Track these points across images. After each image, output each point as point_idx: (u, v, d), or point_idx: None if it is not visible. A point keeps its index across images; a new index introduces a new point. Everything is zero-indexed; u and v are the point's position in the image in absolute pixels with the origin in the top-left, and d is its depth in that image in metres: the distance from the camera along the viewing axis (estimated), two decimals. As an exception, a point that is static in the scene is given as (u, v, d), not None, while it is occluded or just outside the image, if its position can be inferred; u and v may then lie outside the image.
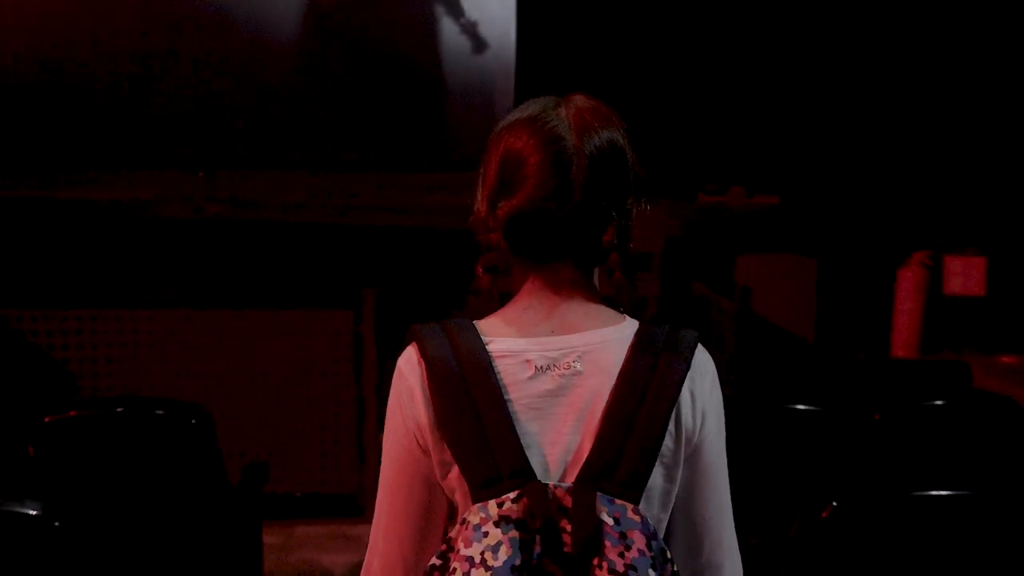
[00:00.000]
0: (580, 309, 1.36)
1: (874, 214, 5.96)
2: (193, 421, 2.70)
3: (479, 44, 6.48)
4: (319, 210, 5.62)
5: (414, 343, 1.39)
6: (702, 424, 1.36)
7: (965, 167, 5.97)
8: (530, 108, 1.40)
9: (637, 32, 6.34)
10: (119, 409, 2.80)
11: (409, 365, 1.38)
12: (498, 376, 1.32)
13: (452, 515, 1.37)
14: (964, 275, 5.82)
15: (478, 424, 1.31)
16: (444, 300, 5.50)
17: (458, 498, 1.36)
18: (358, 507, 4.69)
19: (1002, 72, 5.90)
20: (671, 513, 1.38)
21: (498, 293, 1.38)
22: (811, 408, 2.91)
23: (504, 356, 1.34)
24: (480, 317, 1.39)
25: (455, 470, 1.33)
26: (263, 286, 5.06)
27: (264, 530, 3.55)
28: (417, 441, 1.35)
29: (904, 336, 5.85)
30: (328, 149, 6.43)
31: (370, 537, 1.42)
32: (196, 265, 5.32)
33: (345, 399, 4.72)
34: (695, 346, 1.36)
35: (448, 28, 6.55)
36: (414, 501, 1.37)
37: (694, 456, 1.37)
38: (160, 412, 2.68)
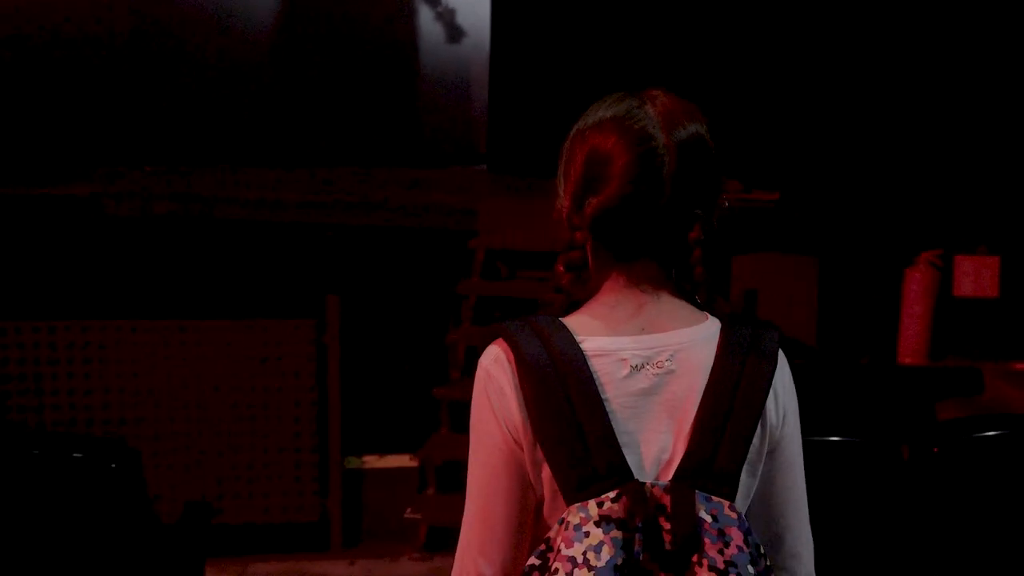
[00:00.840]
0: (667, 307, 1.38)
1: (880, 211, 5.61)
2: (114, 465, 2.26)
3: (455, 33, 6.25)
4: (279, 208, 5.17)
5: (501, 341, 1.39)
6: (783, 421, 1.40)
7: (977, 160, 5.58)
8: (614, 107, 1.41)
9: (619, 18, 5.97)
10: (34, 452, 2.37)
11: (498, 364, 1.38)
12: (594, 375, 1.33)
13: (538, 513, 1.38)
14: (976, 276, 5.46)
15: (576, 423, 1.31)
16: (416, 305, 5.14)
17: (546, 496, 1.36)
18: (321, 539, 4.22)
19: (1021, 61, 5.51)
20: (749, 506, 1.41)
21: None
22: (846, 440, 2.46)
23: (599, 355, 1.35)
24: (563, 314, 1.39)
25: (546, 469, 1.34)
26: (216, 293, 4.58)
27: (214, 568, 3.10)
28: (513, 439, 1.36)
29: (911, 340, 5.46)
30: (292, 142, 6.14)
31: (460, 541, 1.41)
32: (143, 269, 4.84)
33: (307, 417, 4.25)
34: (778, 343, 1.39)
35: (425, 16, 6.29)
36: (512, 500, 1.37)
37: (776, 452, 1.41)
38: (78, 455, 2.25)
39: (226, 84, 6.15)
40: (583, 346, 1.36)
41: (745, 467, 1.36)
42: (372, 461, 4.33)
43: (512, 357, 1.37)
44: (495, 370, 1.39)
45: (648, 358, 1.35)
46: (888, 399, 5.17)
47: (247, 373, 4.19)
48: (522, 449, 1.35)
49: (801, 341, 5.35)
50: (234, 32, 6.18)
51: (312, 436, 4.21)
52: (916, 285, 5.43)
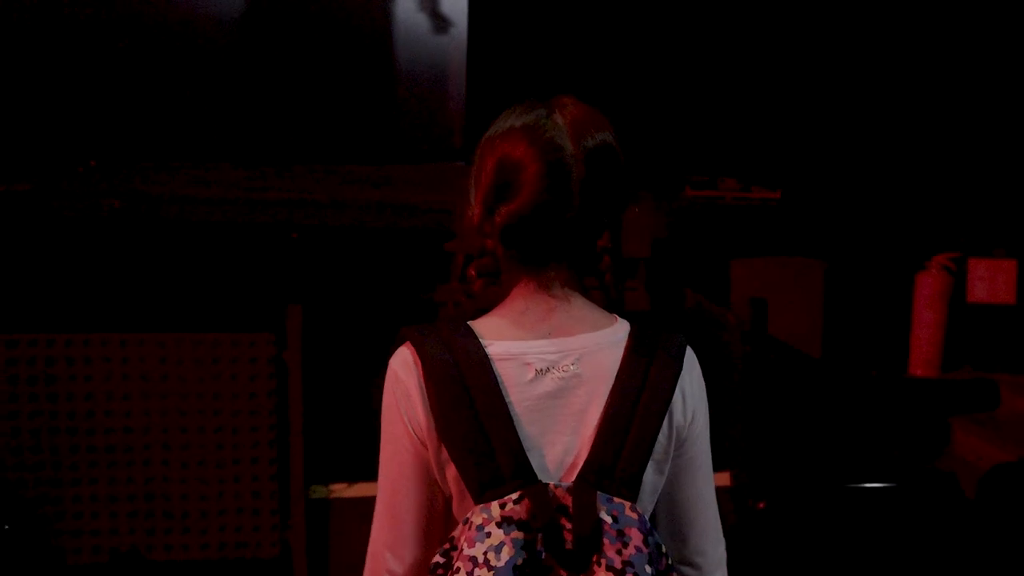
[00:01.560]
0: (576, 312, 1.43)
1: (889, 210, 5.25)
2: (6, 527, 1.80)
3: (440, 22, 5.94)
4: (236, 207, 4.70)
5: (408, 343, 1.44)
6: (691, 421, 1.46)
7: (994, 156, 5.18)
8: (523, 116, 1.44)
9: (604, 4, 5.50)
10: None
11: (405, 366, 1.43)
12: (498, 378, 1.38)
13: (448, 511, 1.42)
14: (991, 281, 5.12)
15: (479, 426, 1.35)
16: (388, 314, 4.68)
17: (455, 494, 1.41)
18: (280, 579, 3.76)
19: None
20: (656, 503, 1.45)
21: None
22: (886, 486, 2.03)
23: (504, 359, 1.39)
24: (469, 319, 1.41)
25: (452, 469, 1.39)
26: (164, 302, 4.10)
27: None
28: (417, 438, 1.41)
29: (923, 350, 5.09)
30: (255, 137, 5.74)
31: (371, 540, 1.45)
32: (83, 275, 4.36)
33: (265, 442, 3.78)
34: (685, 346, 1.45)
35: (403, 2, 5.97)
36: (419, 499, 1.42)
37: (682, 450, 1.46)
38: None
39: (182, 71, 5.67)
40: (488, 350, 1.39)
41: (651, 466, 1.40)
42: (340, 490, 3.87)
43: (418, 360, 1.41)
44: (402, 372, 1.43)
45: (553, 362, 1.38)
46: (899, 416, 4.78)
47: (195, 393, 3.71)
48: (427, 449, 1.40)
49: (804, 352, 4.95)
50: (195, 13, 5.70)
51: (271, 463, 3.74)
52: (928, 290, 5.08)
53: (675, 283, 4.91)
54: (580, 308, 1.44)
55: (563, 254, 1.43)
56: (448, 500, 1.42)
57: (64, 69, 5.57)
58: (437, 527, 1.42)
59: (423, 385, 1.41)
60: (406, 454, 1.42)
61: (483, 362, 1.39)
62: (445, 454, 1.39)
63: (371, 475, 4.19)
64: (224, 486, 3.78)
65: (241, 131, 5.81)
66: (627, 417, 1.37)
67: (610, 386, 1.39)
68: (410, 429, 1.42)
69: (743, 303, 4.87)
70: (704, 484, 1.48)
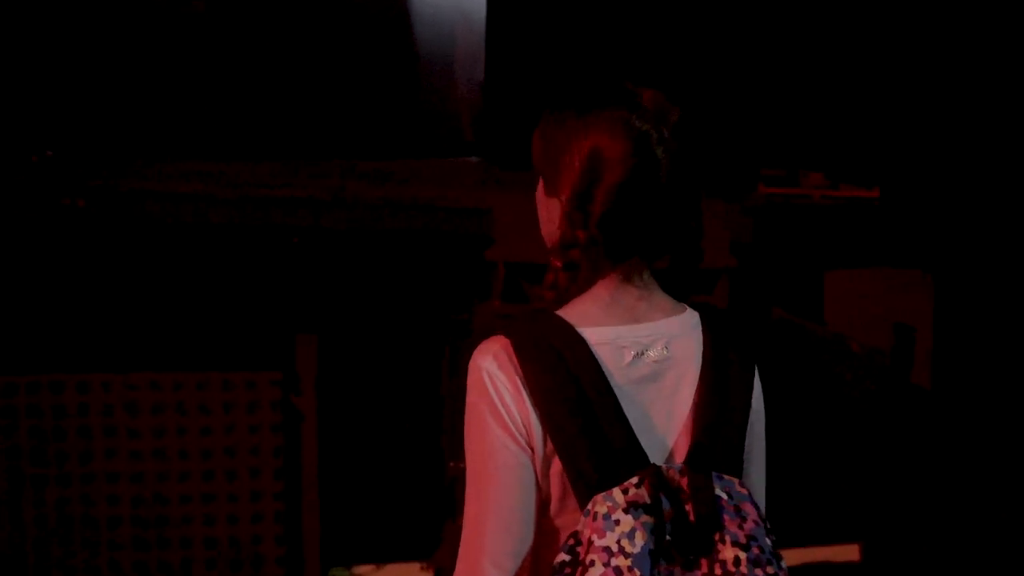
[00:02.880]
0: (655, 299, 1.45)
1: (1014, 211, 4.35)
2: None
3: None
4: (223, 207, 3.88)
5: (500, 338, 1.41)
6: (760, 414, 1.51)
7: None
8: (599, 97, 1.46)
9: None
10: None
11: (498, 363, 1.40)
12: (601, 363, 1.38)
13: (542, 513, 1.40)
14: None
15: (591, 413, 1.36)
16: (417, 341, 3.86)
17: (554, 493, 1.40)
18: None
19: None
20: None
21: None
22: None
23: (602, 343, 1.41)
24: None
25: (556, 464, 1.38)
26: (134, 329, 3.18)
27: None
28: (523, 441, 1.38)
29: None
30: (248, 125, 4.99)
31: (465, 557, 1.41)
32: (32, 288, 3.47)
33: (270, 513, 2.89)
34: (748, 327, 1.52)
35: None
36: (524, 506, 1.39)
37: (754, 429, 1.50)
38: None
39: (164, 45, 4.92)
40: (585, 335, 1.40)
41: None
42: (367, 573, 2.99)
43: (514, 353, 1.39)
44: (495, 369, 1.40)
45: (647, 346, 1.41)
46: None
47: (176, 452, 2.83)
48: (532, 449, 1.39)
49: (913, 383, 4.11)
50: None
51: (278, 543, 2.85)
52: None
53: (757, 298, 4.09)
54: (660, 296, 1.47)
55: (648, 242, 1.45)
56: (546, 502, 1.41)
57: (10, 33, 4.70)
58: (533, 532, 1.40)
59: (525, 379, 1.38)
60: (511, 461, 1.38)
61: (583, 348, 1.39)
62: (551, 447, 1.38)
63: (405, 553, 3.40)
64: (218, 572, 2.88)
65: (230, 120, 5.03)
66: (721, 400, 1.42)
67: (698, 369, 1.44)
68: (514, 432, 1.39)
69: (843, 323, 4.06)
70: (763, 454, 1.53)
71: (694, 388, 1.42)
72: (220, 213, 4.21)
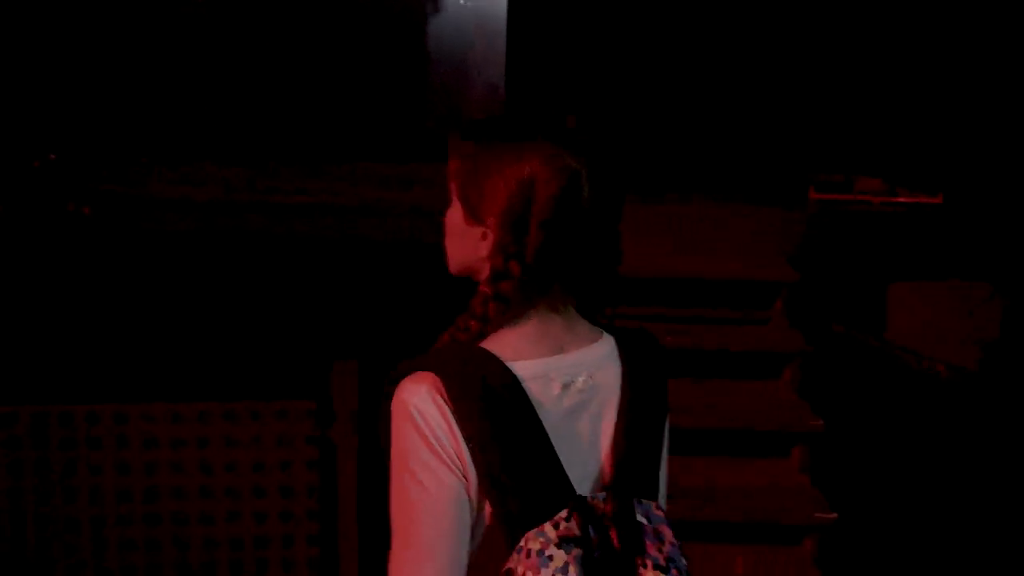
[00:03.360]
0: (578, 328, 1.45)
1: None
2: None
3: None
4: (245, 215, 3.55)
5: (428, 375, 1.36)
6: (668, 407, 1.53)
7: None
8: (529, 127, 1.44)
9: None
10: None
11: (429, 400, 1.35)
12: (532, 398, 1.38)
13: (472, 543, 1.39)
14: None
15: (520, 449, 1.35)
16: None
17: (484, 524, 1.38)
18: None
19: None
20: None
21: None
22: None
23: (531, 377, 1.40)
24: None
25: (485, 498, 1.36)
26: (155, 353, 2.86)
27: None
28: (459, 473, 1.35)
29: None
30: (261, 128, 4.75)
31: None
32: (23, 308, 3.15)
33: (301, 561, 2.58)
34: (660, 345, 1.51)
35: None
36: (460, 541, 1.37)
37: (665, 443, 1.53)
38: None
39: (173, 47, 4.59)
40: (515, 370, 1.39)
41: None
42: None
43: (444, 390, 1.35)
44: (426, 406, 1.35)
45: (573, 376, 1.41)
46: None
47: (197, 490, 2.52)
48: (467, 481, 1.36)
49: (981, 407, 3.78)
50: None
51: (310, 593, 2.54)
52: None
53: (824, 316, 3.78)
54: (581, 323, 1.45)
55: (573, 270, 1.43)
56: (475, 536, 1.38)
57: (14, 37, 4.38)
58: (464, 562, 1.37)
59: (456, 416, 1.35)
60: (447, 493, 1.35)
61: (515, 384, 1.37)
62: (481, 484, 1.35)
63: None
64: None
65: (239, 123, 4.72)
66: (640, 424, 1.43)
67: (618, 397, 1.44)
68: (450, 464, 1.35)
69: (910, 339, 3.74)
70: (666, 448, 1.53)
71: (615, 414, 1.44)
72: (237, 220, 3.90)
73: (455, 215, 1.44)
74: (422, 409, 1.34)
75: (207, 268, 3.48)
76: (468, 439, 1.34)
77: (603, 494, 1.39)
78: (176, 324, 3.11)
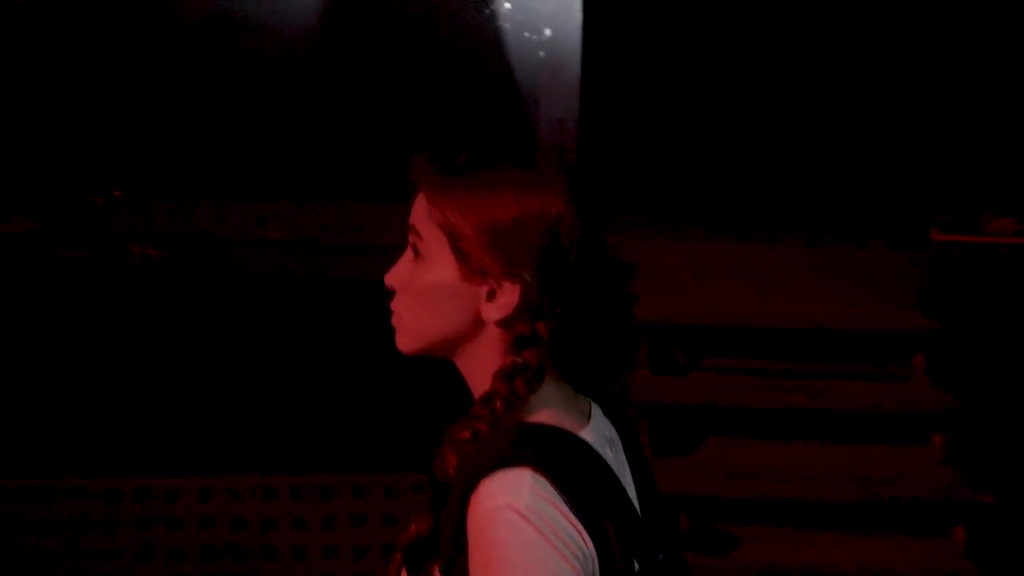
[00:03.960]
0: (578, 393, 1.32)
1: None
2: None
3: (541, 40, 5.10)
4: (330, 256, 3.27)
5: (518, 470, 1.17)
6: None
7: None
8: (526, 163, 1.26)
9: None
10: None
11: (545, 498, 1.16)
12: (611, 466, 1.28)
13: None
14: None
15: (624, 521, 1.23)
16: None
17: None
18: None
19: None
20: None
21: None
22: None
23: (596, 445, 1.27)
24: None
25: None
26: (239, 415, 2.56)
27: None
28: (582, 566, 1.19)
29: None
30: (335, 166, 4.47)
31: None
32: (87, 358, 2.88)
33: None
34: (631, 404, 1.41)
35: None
36: None
37: None
38: None
39: (242, 89, 4.43)
40: (587, 441, 1.26)
41: None
42: None
43: (550, 480, 1.18)
44: (543, 506, 1.17)
45: (608, 439, 1.29)
46: None
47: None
48: (595, 571, 1.23)
49: None
50: (254, 31, 4.55)
51: None
52: None
53: (960, 367, 3.41)
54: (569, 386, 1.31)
55: (593, 328, 1.28)
56: None
57: (81, 72, 4.14)
58: None
59: (571, 504, 1.17)
60: None
61: (596, 455, 1.24)
62: (603, 567, 1.21)
63: None
64: None
65: (313, 161, 4.46)
66: (650, 483, 1.34)
67: (623, 455, 1.32)
68: (577, 563, 1.18)
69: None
70: None
71: (630, 474, 1.34)
72: (308, 261, 3.63)
73: (441, 272, 1.22)
74: (542, 509, 1.16)
75: (275, 301, 3.20)
76: (585, 521, 1.19)
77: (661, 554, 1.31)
78: (270, 381, 2.81)
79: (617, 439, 1.29)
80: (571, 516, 1.17)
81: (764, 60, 4.24)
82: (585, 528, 1.18)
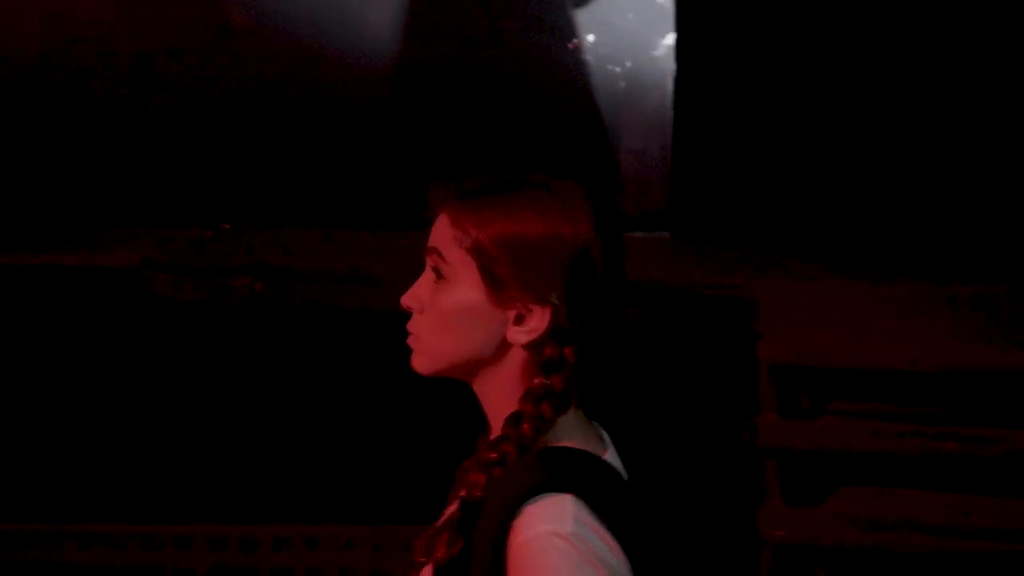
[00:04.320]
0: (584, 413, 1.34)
1: None
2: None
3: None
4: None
5: (559, 497, 1.18)
6: None
7: None
8: (552, 190, 1.27)
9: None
10: None
11: (588, 525, 1.18)
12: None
13: None
14: None
15: (656, 548, 1.26)
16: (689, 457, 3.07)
17: None
18: None
19: None
20: None
21: None
22: None
23: (620, 470, 1.31)
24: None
25: None
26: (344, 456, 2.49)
27: None
28: None
29: None
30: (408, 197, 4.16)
31: None
32: (210, 405, 2.82)
33: None
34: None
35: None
36: None
37: None
38: None
39: (336, 121, 4.38)
40: (613, 466, 1.29)
41: None
42: None
43: (592, 507, 1.19)
44: (587, 532, 1.17)
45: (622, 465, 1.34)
46: None
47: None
48: None
49: None
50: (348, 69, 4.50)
51: None
52: None
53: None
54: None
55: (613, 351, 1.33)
56: None
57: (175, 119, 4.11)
58: None
59: (612, 529, 1.19)
60: None
61: (620, 479, 1.26)
62: None
63: None
64: None
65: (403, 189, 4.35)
66: None
67: None
68: None
69: None
70: None
71: None
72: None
73: (468, 294, 1.23)
74: (581, 534, 1.17)
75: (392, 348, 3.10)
76: (627, 550, 1.20)
77: None
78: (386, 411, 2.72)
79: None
80: (612, 541, 1.17)
81: (891, 90, 4.07)
82: (624, 553, 1.18)
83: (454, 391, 1.29)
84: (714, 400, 3.24)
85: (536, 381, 1.22)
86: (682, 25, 4.52)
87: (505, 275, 1.22)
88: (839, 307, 3.50)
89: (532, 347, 1.22)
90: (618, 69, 5.09)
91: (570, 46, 4.86)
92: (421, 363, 1.25)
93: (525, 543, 1.15)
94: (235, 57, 4.27)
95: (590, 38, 4.82)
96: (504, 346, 1.23)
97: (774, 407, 3.13)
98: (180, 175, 3.93)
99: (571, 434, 1.24)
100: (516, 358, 1.23)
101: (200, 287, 3.30)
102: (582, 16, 4.79)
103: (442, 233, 1.23)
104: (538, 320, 1.22)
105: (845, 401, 3.13)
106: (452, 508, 1.26)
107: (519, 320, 1.22)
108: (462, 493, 1.22)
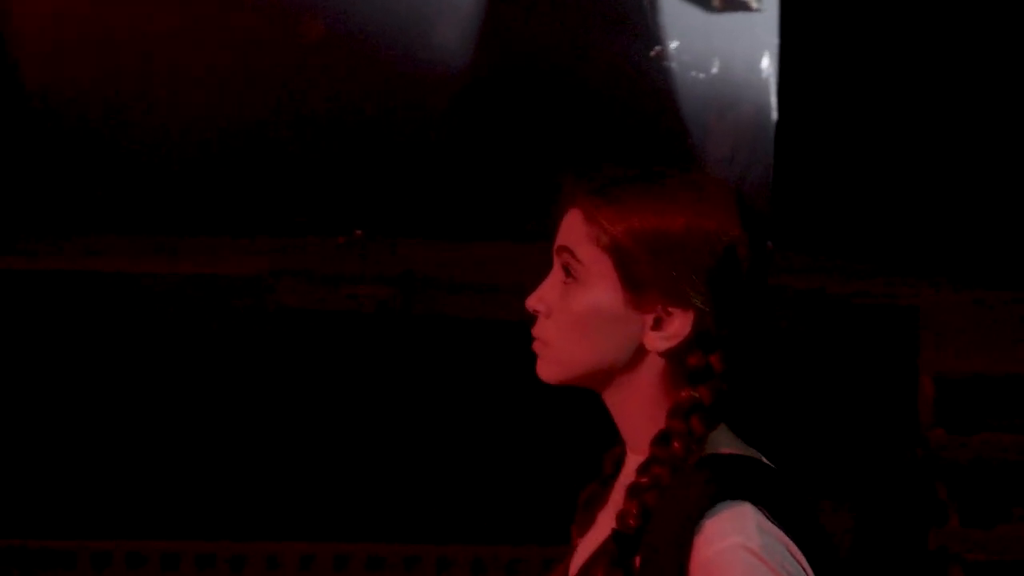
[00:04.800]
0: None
1: None
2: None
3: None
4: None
5: (740, 508, 1.13)
6: None
7: None
8: (695, 185, 1.21)
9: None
10: None
11: (773, 535, 1.13)
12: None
13: None
14: None
15: (830, 556, 1.20)
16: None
17: None
18: None
19: None
20: None
21: None
22: None
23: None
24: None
25: None
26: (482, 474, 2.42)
27: None
28: None
29: None
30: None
31: None
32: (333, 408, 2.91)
33: None
34: None
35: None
36: None
37: None
38: None
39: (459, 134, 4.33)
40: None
41: None
42: None
43: (770, 515, 1.14)
44: (772, 542, 1.13)
45: None
46: None
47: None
48: None
49: None
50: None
51: None
52: None
53: None
54: None
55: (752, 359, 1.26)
56: None
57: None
58: None
59: (795, 539, 1.14)
60: None
61: (792, 487, 1.19)
62: None
63: None
64: None
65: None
66: None
67: None
68: None
69: None
70: None
71: None
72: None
73: (603, 296, 1.16)
74: (767, 545, 1.12)
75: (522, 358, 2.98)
76: (809, 558, 1.15)
77: None
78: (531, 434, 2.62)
79: None
80: (793, 548, 1.14)
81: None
82: (808, 561, 1.15)
83: (581, 401, 1.21)
84: (871, 412, 3.10)
85: (683, 394, 1.15)
86: (786, 30, 4.42)
87: (644, 274, 1.16)
88: (993, 318, 3.37)
89: (671, 355, 1.15)
90: (702, 75, 5.02)
91: (652, 54, 4.77)
92: (549, 370, 1.18)
93: (712, 557, 1.10)
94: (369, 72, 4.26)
95: (673, 44, 4.77)
96: (640, 353, 1.16)
97: (934, 419, 3.00)
98: (311, 177, 3.89)
99: (726, 441, 1.17)
100: (653, 366, 1.16)
101: (331, 295, 3.23)
102: (672, 22, 4.69)
103: (574, 230, 1.17)
104: (679, 325, 1.15)
105: (1010, 414, 3.03)
106: (591, 538, 1.20)
107: (657, 324, 1.15)
108: (615, 526, 1.14)
